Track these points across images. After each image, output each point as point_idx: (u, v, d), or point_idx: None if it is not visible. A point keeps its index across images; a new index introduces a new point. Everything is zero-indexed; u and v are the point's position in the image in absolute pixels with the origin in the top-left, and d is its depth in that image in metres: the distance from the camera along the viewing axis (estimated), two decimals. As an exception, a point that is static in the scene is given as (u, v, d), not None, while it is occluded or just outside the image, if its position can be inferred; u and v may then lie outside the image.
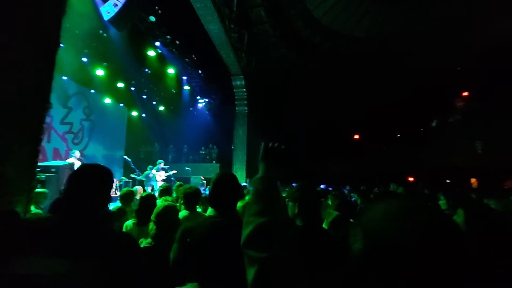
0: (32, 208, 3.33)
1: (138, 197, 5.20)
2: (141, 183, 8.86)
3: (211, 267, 1.03)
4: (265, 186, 0.91)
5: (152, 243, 1.92)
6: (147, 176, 9.19)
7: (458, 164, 12.97)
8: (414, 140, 15.23)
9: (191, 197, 2.80)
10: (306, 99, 14.33)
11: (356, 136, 17.87)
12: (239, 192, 1.73)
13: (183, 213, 2.66)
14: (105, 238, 1.14)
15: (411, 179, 14.89)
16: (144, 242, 1.96)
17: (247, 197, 4.11)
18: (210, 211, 3.66)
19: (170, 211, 2.07)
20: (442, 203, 3.51)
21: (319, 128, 15.04)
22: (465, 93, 14.00)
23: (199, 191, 2.98)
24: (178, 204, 2.93)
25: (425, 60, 12.23)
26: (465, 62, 12.20)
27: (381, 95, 14.07)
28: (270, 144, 1.07)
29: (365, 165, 15.24)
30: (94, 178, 1.22)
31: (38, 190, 3.62)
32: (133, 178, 9.42)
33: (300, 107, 14.30)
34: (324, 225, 2.65)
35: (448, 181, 13.76)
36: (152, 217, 2.04)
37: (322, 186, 6.90)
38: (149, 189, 8.57)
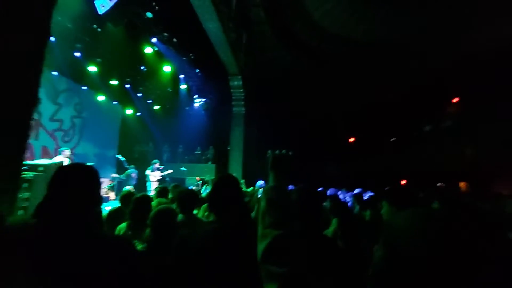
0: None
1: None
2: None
3: (211, 277, 0.98)
4: (279, 195, 0.91)
5: (147, 247, 1.81)
6: (128, 176, 8.94)
7: (448, 167, 13.19)
8: (407, 144, 15.39)
9: (186, 201, 2.66)
10: (303, 101, 14.29)
11: (352, 139, 17.92)
12: (241, 196, 1.60)
13: (179, 217, 2.52)
14: (95, 244, 1.02)
15: (403, 182, 15.02)
16: (139, 246, 1.85)
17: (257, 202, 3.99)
18: (201, 212, 3.50)
19: (166, 214, 1.95)
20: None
21: (316, 129, 15.01)
22: (456, 99, 14.26)
23: (195, 194, 2.84)
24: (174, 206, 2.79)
25: (419, 65, 12.35)
26: (457, 68, 12.40)
27: (376, 99, 14.15)
28: (278, 152, 1.07)
29: (360, 168, 15.28)
30: (79, 178, 1.10)
31: None
32: (126, 176, 9.16)
33: (297, 108, 14.25)
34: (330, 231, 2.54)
35: (438, 184, 13.98)
36: (148, 220, 1.92)
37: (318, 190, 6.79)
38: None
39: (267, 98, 13.80)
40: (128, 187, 7.87)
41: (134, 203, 2.57)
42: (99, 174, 1.17)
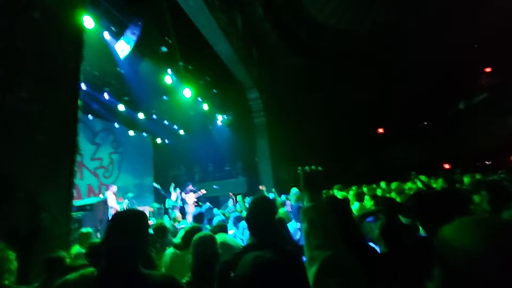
0: (77, 247, 3.43)
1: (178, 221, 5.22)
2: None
3: None
4: (319, 215, 0.87)
5: (192, 277, 1.84)
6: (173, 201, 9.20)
7: (492, 143, 12.02)
8: (443, 126, 14.37)
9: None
10: (323, 101, 14.08)
11: (381, 130, 17.15)
12: (275, 216, 1.66)
13: None
14: (148, 284, 1.14)
15: (446, 166, 13.91)
16: (185, 277, 1.88)
17: (281, 210, 3.97)
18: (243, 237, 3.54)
19: (206, 242, 1.96)
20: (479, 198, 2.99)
21: (341, 128, 14.61)
22: (487, 69, 13.11)
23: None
24: None
25: (443, 44, 11.61)
26: (483, 38, 11.45)
27: (400, 86, 13.53)
28: (307, 168, 1.03)
29: (394, 159, 14.50)
30: (131, 226, 1.22)
31: (83, 230, 3.73)
32: (164, 205, 9.57)
33: (318, 110, 14.05)
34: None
35: (487, 162, 12.74)
36: (191, 248, 1.95)
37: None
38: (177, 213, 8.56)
39: (287, 104, 13.82)
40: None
41: (184, 234, 2.61)
42: (146, 217, 1.30)
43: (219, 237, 2.50)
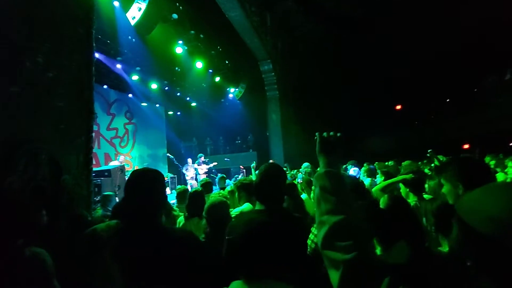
0: (99, 210, 3.67)
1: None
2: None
3: (253, 264, 0.98)
4: (332, 181, 0.85)
5: (205, 238, 1.96)
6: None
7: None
8: (467, 103, 13.63)
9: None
10: (339, 75, 13.51)
11: (398, 107, 16.52)
12: (285, 185, 1.65)
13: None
14: (170, 240, 1.19)
15: (466, 146, 13.44)
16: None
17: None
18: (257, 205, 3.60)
19: (219, 206, 2.05)
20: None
21: (356, 104, 14.13)
22: None
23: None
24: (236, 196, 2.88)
25: (469, 11, 10.56)
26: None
27: (422, 59, 12.68)
28: (325, 134, 1.00)
29: (412, 138, 14.07)
30: (148, 182, 1.25)
31: (105, 193, 3.96)
32: (178, 173, 9.86)
33: (333, 84, 13.55)
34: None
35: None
36: (204, 213, 2.05)
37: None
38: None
39: (301, 77, 13.39)
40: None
41: (189, 197, 2.76)
42: (162, 175, 1.32)
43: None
